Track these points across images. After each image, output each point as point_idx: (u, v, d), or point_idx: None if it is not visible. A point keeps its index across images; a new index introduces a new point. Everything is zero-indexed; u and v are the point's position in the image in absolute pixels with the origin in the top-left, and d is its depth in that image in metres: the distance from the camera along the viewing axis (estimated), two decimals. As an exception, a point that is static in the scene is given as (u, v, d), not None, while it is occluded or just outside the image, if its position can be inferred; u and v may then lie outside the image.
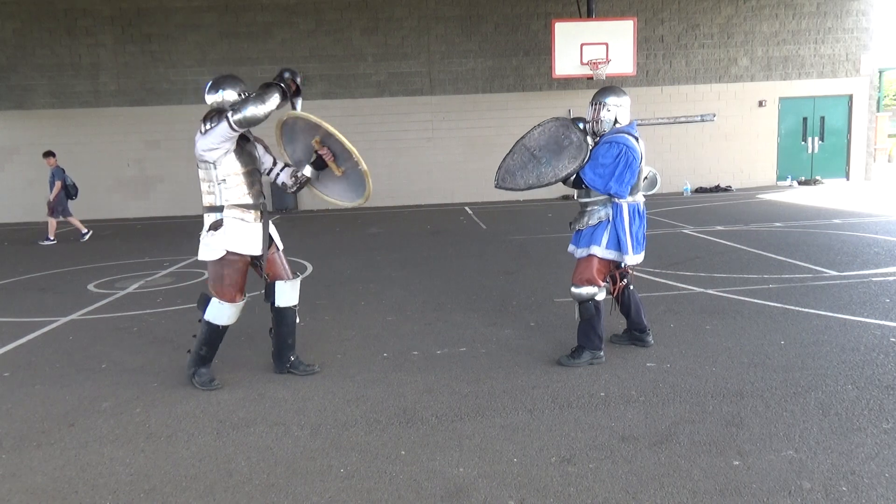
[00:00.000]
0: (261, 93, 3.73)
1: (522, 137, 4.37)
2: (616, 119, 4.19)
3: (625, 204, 4.14)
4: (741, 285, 6.04)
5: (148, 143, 15.73)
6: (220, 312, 3.96)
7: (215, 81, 3.90)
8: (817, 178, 16.73)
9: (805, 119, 16.84)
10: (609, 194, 4.08)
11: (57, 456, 3.20)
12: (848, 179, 17.04)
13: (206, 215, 3.96)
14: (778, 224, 9.99)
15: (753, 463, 2.83)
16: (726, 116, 16.45)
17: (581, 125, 4.27)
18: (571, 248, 4.39)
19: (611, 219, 4.15)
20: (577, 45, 14.25)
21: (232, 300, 3.96)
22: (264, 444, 3.23)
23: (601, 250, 4.15)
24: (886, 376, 3.74)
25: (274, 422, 3.49)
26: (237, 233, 3.90)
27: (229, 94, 3.83)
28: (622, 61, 14.41)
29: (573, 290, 4.22)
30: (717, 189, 16.18)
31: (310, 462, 3.03)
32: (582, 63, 14.31)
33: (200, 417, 3.59)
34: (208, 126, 3.74)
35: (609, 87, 4.31)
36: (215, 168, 3.85)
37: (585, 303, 4.18)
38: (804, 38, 16.38)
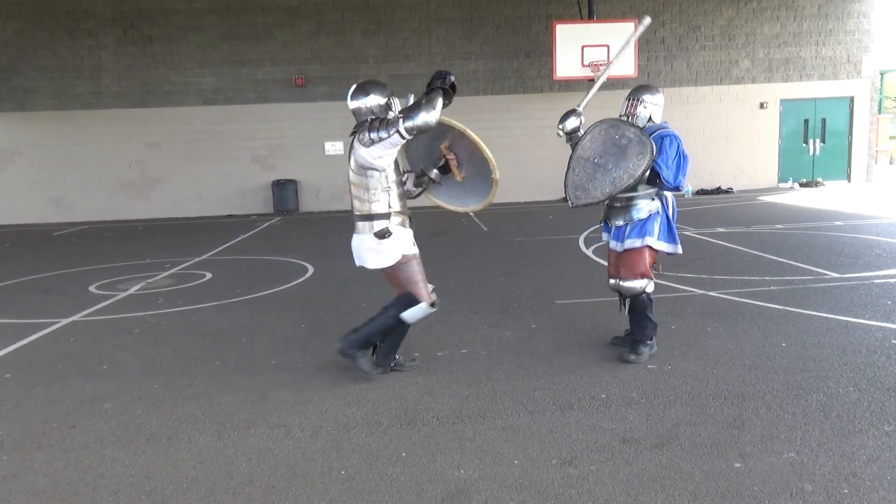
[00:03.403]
0: (428, 99, 3.62)
1: (574, 150, 4.30)
2: (650, 117, 4.21)
3: (670, 195, 4.19)
4: (742, 287, 6.03)
5: (149, 145, 15.75)
6: (418, 314, 3.96)
7: (361, 86, 3.84)
8: (818, 179, 16.72)
9: (806, 121, 16.84)
10: (675, 187, 4.07)
11: (58, 457, 3.20)
12: (849, 181, 17.03)
13: (367, 223, 3.85)
14: (779, 226, 9.98)
15: (755, 465, 2.82)
16: (727, 118, 16.46)
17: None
18: (614, 244, 4.32)
19: (660, 210, 4.16)
20: (578, 47, 14.26)
21: (429, 302, 3.99)
22: (265, 446, 3.23)
23: (656, 241, 4.14)
24: (888, 378, 3.73)
25: (275, 423, 3.49)
26: (405, 235, 3.93)
27: (373, 100, 3.79)
28: (623, 63, 14.37)
29: (626, 284, 4.18)
30: (718, 191, 16.17)
31: (311, 464, 3.03)
32: (583, 65, 14.32)
33: (201, 419, 3.59)
34: (374, 136, 3.63)
35: (646, 84, 4.40)
36: (386, 175, 3.78)
37: (639, 296, 4.17)
38: (805, 40, 16.38)
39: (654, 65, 16.14)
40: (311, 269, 8.00)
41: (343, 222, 13.49)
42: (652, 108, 4.22)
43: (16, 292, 7.36)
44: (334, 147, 16.08)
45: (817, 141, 16.95)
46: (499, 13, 15.85)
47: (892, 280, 6.08)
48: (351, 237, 4.05)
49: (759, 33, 16.28)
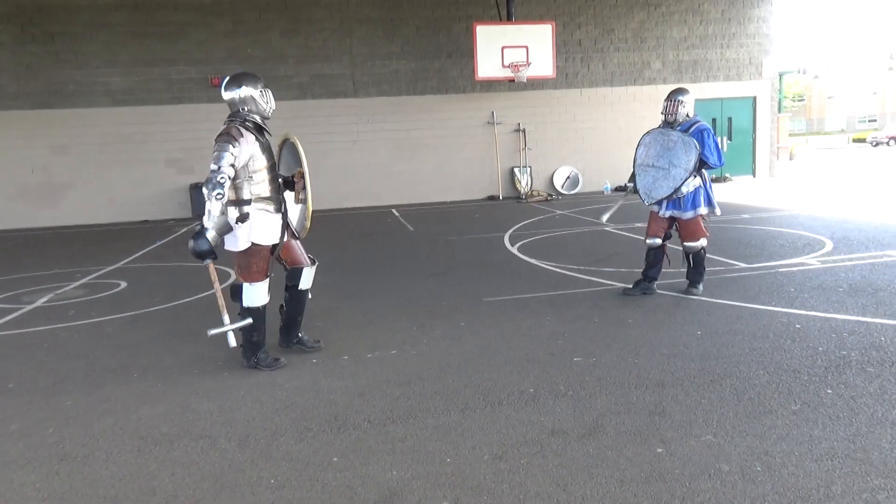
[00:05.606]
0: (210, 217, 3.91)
1: (635, 160, 5.65)
2: (687, 113, 5.45)
3: (705, 172, 5.44)
4: (660, 279, 6.27)
5: (55, 149, 14.84)
6: (255, 294, 4.24)
7: (234, 78, 4.14)
8: (727, 175, 17.62)
9: (714, 120, 17.71)
10: (719, 166, 5.35)
11: (-41, 484, 2.98)
12: (754, 176, 18.05)
13: (230, 208, 4.08)
14: (692, 220, 10.43)
15: (676, 449, 2.94)
16: (642, 117, 17.07)
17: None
18: (665, 212, 5.54)
19: (702, 185, 5.43)
20: (498, 48, 14.49)
21: (260, 280, 4.25)
22: (189, 459, 3.11)
23: (704, 209, 5.45)
24: (793, 361, 3.98)
25: (199, 435, 3.37)
26: (262, 224, 4.16)
27: (246, 91, 4.10)
28: (542, 64, 14.76)
29: (692, 244, 5.49)
30: (635, 188, 16.73)
31: (238, 474, 2.94)
32: (503, 65, 14.56)
33: (119, 435, 3.42)
34: (215, 154, 3.98)
35: (680, 87, 5.58)
36: (245, 166, 4.07)
37: (699, 251, 5.52)
38: (711, 43, 17.23)
39: (571, 66, 16.58)
40: (233, 275, 7.75)
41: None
42: (687, 105, 5.44)
43: None
44: (255, 149, 15.66)
45: (724, 139, 17.86)
46: (419, 14, 15.87)
47: (795, 269, 6.48)
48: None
49: (669, 36, 17.01)
